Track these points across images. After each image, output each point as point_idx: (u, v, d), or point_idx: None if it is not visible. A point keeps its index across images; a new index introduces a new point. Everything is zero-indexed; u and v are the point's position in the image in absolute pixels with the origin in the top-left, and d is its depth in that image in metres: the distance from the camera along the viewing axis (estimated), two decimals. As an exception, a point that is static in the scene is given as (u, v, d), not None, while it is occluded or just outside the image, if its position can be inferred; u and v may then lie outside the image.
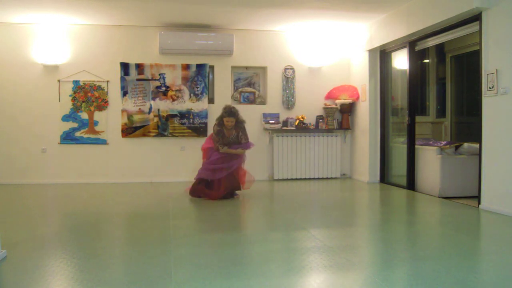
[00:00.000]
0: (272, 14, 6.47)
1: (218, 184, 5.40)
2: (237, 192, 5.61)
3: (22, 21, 6.75)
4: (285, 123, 7.38)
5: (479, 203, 4.88)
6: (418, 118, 6.72)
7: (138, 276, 2.70)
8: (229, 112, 5.40)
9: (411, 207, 5.42)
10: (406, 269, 2.91)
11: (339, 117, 7.63)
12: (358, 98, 7.37)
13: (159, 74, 7.08)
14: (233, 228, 4.10)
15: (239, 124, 5.51)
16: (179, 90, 7.11)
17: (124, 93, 7.03)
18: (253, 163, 7.33)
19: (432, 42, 6.01)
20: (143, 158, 7.14)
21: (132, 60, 7.04)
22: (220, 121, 5.48)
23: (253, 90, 7.63)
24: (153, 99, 7.07)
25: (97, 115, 7.04)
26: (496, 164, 4.63)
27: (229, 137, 5.45)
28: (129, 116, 7.04)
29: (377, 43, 6.70)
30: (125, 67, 7.00)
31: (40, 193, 6.19)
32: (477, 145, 5.11)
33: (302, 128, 7.38)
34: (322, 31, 7.45)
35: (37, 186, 6.69)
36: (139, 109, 7.07)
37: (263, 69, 7.61)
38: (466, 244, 3.57)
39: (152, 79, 7.07)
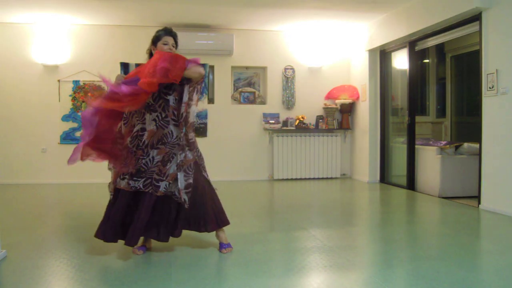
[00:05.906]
0: (272, 14, 6.47)
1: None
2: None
3: (22, 21, 6.75)
4: (285, 123, 7.38)
5: (479, 203, 4.89)
6: (418, 118, 6.73)
7: (138, 276, 2.70)
8: (169, 30, 3.28)
9: (411, 207, 5.41)
10: (406, 269, 2.91)
11: (339, 117, 7.63)
12: (358, 98, 7.37)
13: (159, 74, 7.08)
14: (232, 228, 4.09)
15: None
16: (179, 90, 7.11)
17: (124, 93, 7.02)
18: (253, 163, 7.38)
19: (432, 42, 6.01)
20: (143, 158, 7.13)
21: (132, 60, 7.04)
22: (148, 54, 3.43)
23: (253, 90, 7.63)
24: (153, 99, 7.07)
25: (97, 115, 7.03)
26: (496, 164, 4.64)
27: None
28: (129, 116, 7.04)
29: (377, 43, 6.70)
30: (125, 67, 6.99)
31: (40, 193, 6.19)
32: (477, 145, 5.11)
33: (302, 128, 7.38)
34: (322, 31, 7.45)
35: (37, 186, 6.69)
36: (139, 109, 7.06)
37: (263, 69, 7.61)
38: (466, 244, 3.56)
39: (152, 79, 7.07)
